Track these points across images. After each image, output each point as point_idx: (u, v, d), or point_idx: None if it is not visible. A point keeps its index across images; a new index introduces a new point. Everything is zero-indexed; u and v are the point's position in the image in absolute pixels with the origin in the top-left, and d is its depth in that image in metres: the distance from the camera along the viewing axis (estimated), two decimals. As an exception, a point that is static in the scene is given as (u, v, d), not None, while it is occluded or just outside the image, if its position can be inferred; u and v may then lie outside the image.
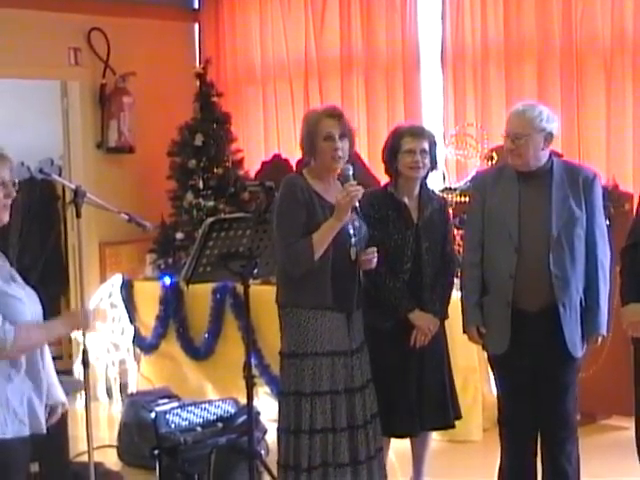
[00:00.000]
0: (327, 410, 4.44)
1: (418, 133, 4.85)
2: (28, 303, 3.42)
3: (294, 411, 4.45)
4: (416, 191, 4.86)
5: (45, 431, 3.47)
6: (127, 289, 7.73)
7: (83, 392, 4.70)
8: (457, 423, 5.03)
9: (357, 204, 4.39)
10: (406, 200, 4.82)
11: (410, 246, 4.78)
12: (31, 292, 3.50)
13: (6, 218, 3.43)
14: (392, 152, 4.83)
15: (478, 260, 4.62)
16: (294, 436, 4.45)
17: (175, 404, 5.78)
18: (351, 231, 4.48)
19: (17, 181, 3.45)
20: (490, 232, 4.59)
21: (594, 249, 4.56)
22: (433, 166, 4.87)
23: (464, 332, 4.73)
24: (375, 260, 4.51)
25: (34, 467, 4.84)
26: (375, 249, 4.52)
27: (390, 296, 4.74)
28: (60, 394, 3.63)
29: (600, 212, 4.62)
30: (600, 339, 4.65)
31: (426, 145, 4.81)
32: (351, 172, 4.43)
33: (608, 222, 6.04)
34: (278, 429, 4.57)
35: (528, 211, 4.53)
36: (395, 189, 4.83)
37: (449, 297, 4.92)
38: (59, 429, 3.59)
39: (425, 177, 4.89)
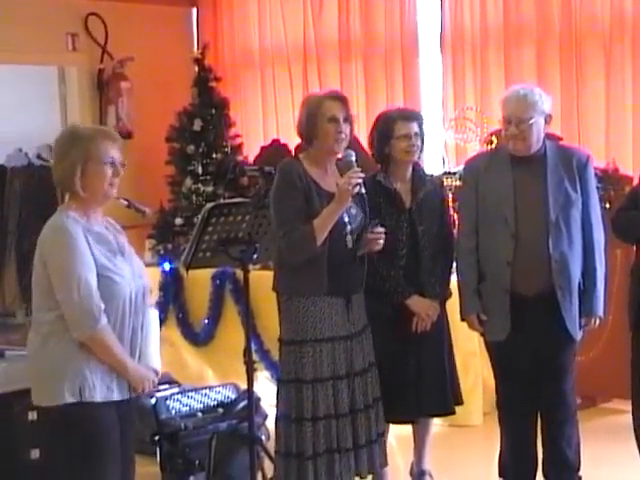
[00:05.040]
0: (329, 396, 4.42)
1: (410, 117, 4.81)
2: (128, 279, 3.62)
3: (295, 399, 4.43)
4: (408, 174, 4.81)
5: (129, 397, 3.66)
6: (126, 275, 7.72)
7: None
8: (458, 408, 5.00)
9: (364, 190, 4.34)
10: (398, 185, 4.78)
11: (405, 231, 4.73)
12: (139, 265, 3.74)
13: (114, 194, 3.67)
14: (383, 138, 4.76)
15: (474, 246, 4.60)
16: (296, 424, 4.42)
17: (175, 390, 5.77)
18: (347, 219, 4.43)
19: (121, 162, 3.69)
20: (485, 218, 4.57)
21: (590, 231, 4.55)
22: (422, 147, 4.84)
23: (462, 320, 4.72)
24: (382, 241, 4.47)
25: (35, 454, 4.86)
26: (383, 229, 4.47)
27: (385, 285, 4.69)
28: (153, 361, 3.76)
29: (594, 193, 4.62)
30: (598, 321, 4.65)
31: (417, 127, 4.77)
32: (354, 158, 4.39)
33: (608, 205, 6.07)
34: (277, 417, 4.54)
35: (524, 196, 4.51)
36: (386, 175, 4.77)
37: (449, 277, 4.87)
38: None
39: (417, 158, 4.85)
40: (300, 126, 4.49)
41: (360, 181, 4.30)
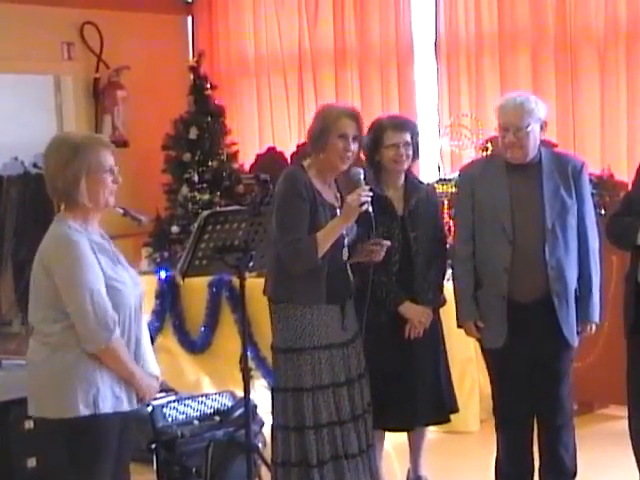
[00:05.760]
0: (331, 404, 4.42)
1: (400, 126, 4.79)
2: (130, 287, 3.61)
3: (294, 407, 4.41)
4: (400, 182, 4.80)
5: (136, 406, 3.67)
6: (123, 283, 7.72)
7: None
8: (454, 414, 5.00)
9: (371, 209, 4.33)
10: (390, 192, 4.77)
11: (397, 238, 4.72)
12: (134, 273, 3.73)
13: (113, 202, 3.64)
14: (374, 146, 4.74)
15: (470, 253, 4.60)
16: (296, 432, 4.40)
17: (172, 398, 5.76)
18: (344, 232, 4.44)
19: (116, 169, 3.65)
20: (482, 225, 4.57)
21: (585, 237, 4.56)
22: (415, 156, 4.82)
23: (459, 326, 4.71)
24: (383, 253, 4.47)
25: (31, 462, 4.85)
26: (388, 242, 4.48)
27: (377, 291, 4.67)
28: (153, 367, 3.75)
29: (589, 200, 4.63)
30: (594, 327, 4.66)
31: (408, 137, 4.74)
32: (362, 176, 4.38)
33: (603, 211, 6.08)
34: (274, 426, 4.52)
35: (520, 203, 4.52)
36: (377, 182, 4.73)
37: (442, 284, 4.88)
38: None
39: (408, 167, 4.84)
40: (311, 134, 4.49)
41: (369, 200, 4.31)
